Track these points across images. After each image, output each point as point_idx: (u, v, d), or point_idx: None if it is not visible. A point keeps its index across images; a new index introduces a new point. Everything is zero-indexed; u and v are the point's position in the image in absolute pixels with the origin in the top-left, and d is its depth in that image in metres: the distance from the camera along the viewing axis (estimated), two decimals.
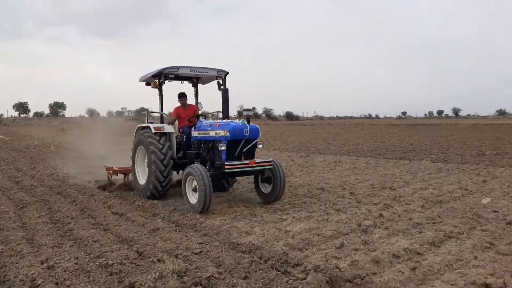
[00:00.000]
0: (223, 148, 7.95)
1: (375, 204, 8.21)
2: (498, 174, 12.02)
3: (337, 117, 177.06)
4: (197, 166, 7.76)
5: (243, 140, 8.03)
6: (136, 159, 9.81)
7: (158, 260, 5.07)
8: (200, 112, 9.73)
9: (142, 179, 9.57)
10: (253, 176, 9.05)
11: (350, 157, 17.80)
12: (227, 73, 9.39)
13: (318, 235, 6.10)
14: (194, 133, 9.15)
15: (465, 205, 7.88)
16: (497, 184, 10.25)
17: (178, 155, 9.39)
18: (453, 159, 16.06)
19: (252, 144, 8.13)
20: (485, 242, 5.54)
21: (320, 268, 4.57)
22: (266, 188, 8.76)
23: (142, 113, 12.28)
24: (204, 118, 9.51)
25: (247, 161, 7.97)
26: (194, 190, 7.75)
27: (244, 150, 8.10)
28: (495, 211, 7.33)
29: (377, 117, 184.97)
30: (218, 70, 9.55)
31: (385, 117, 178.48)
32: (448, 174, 12.19)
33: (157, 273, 4.53)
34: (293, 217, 7.32)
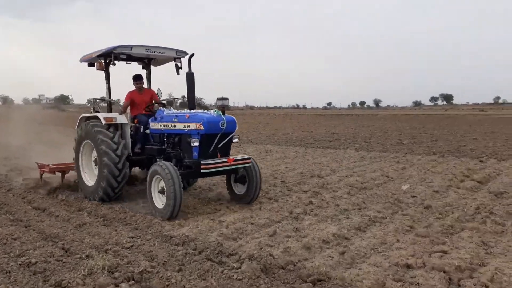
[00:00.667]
0: (196, 144, 6.77)
1: (304, 192, 8.47)
2: (416, 161, 12.92)
3: (267, 107, 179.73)
4: (165, 164, 6.50)
5: (219, 134, 6.90)
6: (81, 156, 8.38)
7: (87, 256, 4.84)
8: (160, 99, 8.47)
9: (89, 180, 8.18)
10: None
11: (281, 147, 18.17)
12: (191, 54, 7.50)
13: (252, 224, 6.17)
14: (154, 125, 7.81)
15: (387, 191, 8.39)
16: (415, 171, 11.01)
17: (134, 149, 8.03)
18: (375, 148, 17.01)
19: (228, 138, 7.04)
20: (406, 226, 5.94)
21: (254, 257, 4.63)
22: (239, 189, 7.74)
23: (87, 102, 10.79)
24: (163, 107, 8.21)
25: (225, 159, 6.82)
26: (161, 192, 6.56)
27: (220, 145, 6.98)
28: (414, 196, 7.89)
29: (304, 107, 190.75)
30: (177, 51, 8.27)
31: (312, 108, 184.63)
32: (371, 162, 12.89)
33: (86, 270, 4.33)
34: (227, 207, 7.34)
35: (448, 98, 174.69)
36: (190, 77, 7.36)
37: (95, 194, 7.75)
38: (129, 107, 8.45)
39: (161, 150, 7.64)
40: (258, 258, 4.60)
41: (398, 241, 5.39)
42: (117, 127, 7.92)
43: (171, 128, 7.40)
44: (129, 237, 5.59)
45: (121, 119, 7.98)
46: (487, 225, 5.98)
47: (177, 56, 8.31)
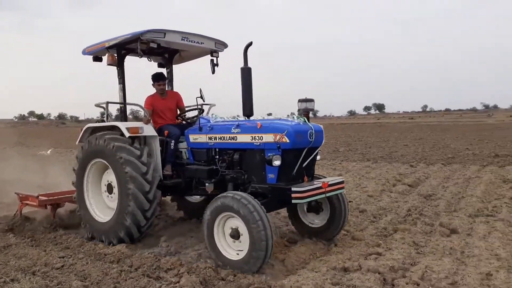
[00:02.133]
0: (277, 162, 4.89)
1: None
2: (351, 168, 13.41)
3: None
4: (244, 196, 4.53)
5: (305, 149, 5.11)
6: (85, 181, 6.19)
7: (12, 280, 4.49)
8: (199, 103, 5.84)
9: (100, 214, 6.07)
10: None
11: None
12: (248, 43, 5.34)
13: (192, 236, 6.05)
14: (197, 138, 5.88)
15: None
16: (351, 177, 11.41)
17: (163, 171, 6.02)
18: None
19: (314, 154, 5.28)
20: (343, 230, 6.11)
21: (193, 270, 4.53)
22: (313, 220, 5.85)
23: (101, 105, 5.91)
24: (199, 114, 6.06)
25: (318, 183, 5.01)
26: (234, 236, 4.63)
27: (304, 164, 5.19)
28: (350, 201, 8.14)
29: None
30: (216, 42, 6.43)
31: None
32: None
33: None
34: (166, 221, 7.15)
35: (380, 107, 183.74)
36: (247, 73, 5.33)
37: (111, 235, 5.68)
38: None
39: (212, 171, 5.62)
40: (197, 271, 4.50)
41: (336, 245, 5.51)
42: (140, 141, 5.97)
43: (229, 141, 5.47)
44: (59, 257, 5.25)
45: (149, 130, 5.99)
46: (417, 226, 6.30)
47: (215, 48, 6.47)
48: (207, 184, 5.49)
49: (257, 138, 5.14)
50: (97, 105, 6.12)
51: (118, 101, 6.29)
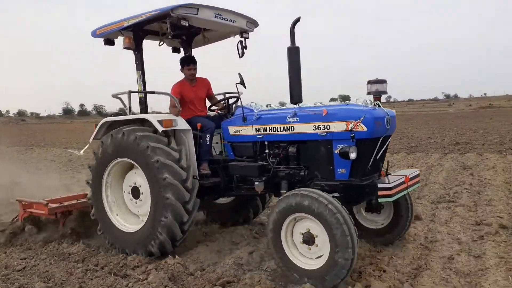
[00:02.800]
0: (354, 155, 4.20)
1: None
2: None
3: None
4: (318, 193, 3.86)
5: (381, 138, 4.48)
6: (105, 183, 5.32)
7: None
8: (237, 93, 5.16)
9: (125, 223, 5.23)
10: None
11: None
12: (296, 19, 4.70)
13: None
14: (240, 130, 5.08)
15: None
16: None
17: (199, 170, 5.21)
18: None
19: (387, 144, 4.66)
20: None
21: (161, 266, 4.47)
22: (374, 220, 5.20)
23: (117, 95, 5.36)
24: (231, 104, 5.58)
25: (401, 178, 4.40)
26: (308, 241, 3.92)
27: (378, 156, 4.56)
28: None
29: None
30: (248, 20, 5.60)
31: None
32: None
33: None
34: None
35: (345, 98, 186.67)
36: (294, 53, 4.60)
37: (139, 247, 4.89)
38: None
39: (262, 168, 4.85)
40: (165, 267, 4.44)
41: None
42: (169, 137, 5.09)
43: (284, 133, 4.71)
44: (20, 259, 5.08)
45: (182, 123, 5.17)
46: None
47: (246, 28, 5.63)
48: (256, 183, 4.72)
49: (322, 127, 4.38)
50: (115, 96, 5.26)
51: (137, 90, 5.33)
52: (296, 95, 4.67)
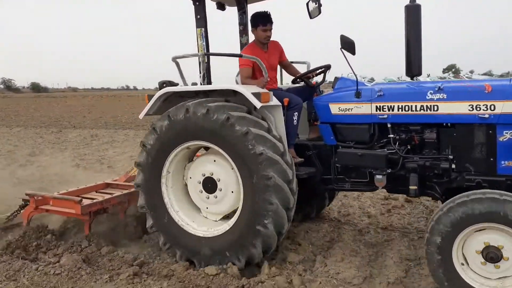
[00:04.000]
0: None
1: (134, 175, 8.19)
2: None
3: (93, 89, 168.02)
4: None
5: None
6: (166, 170, 4.13)
7: None
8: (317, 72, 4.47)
9: (187, 218, 4.15)
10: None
11: (108, 130, 17.20)
12: None
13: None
14: (349, 107, 3.98)
15: None
16: None
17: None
18: None
19: None
20: None
21: (74, 249, 4.30)
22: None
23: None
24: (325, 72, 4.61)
25: None
26: (493, 258, 3.03)
27: None
28: None
29: (135, 88, 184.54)
30: None
31: (144, 89, 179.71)
32: None
33: None
34: None
35: (456, 71, 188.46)
36: (414, 13, 3.66)
37: (216, 256, 3.87)
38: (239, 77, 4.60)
39: (389, 157, 3.85)
40: (78, 249, 4.28)
41: None
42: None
43: (422, 113, 3.70)
44: None
45: (272, 97, 4.02)
46: None
47: None
48: (378, 176, 3.83)
49: (484, 107, 3.47)
50: (176, 58, 4.03)
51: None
52: (415, 65, 3.77)
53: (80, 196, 4.73)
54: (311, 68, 4.83)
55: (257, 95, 3.76)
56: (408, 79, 3.89)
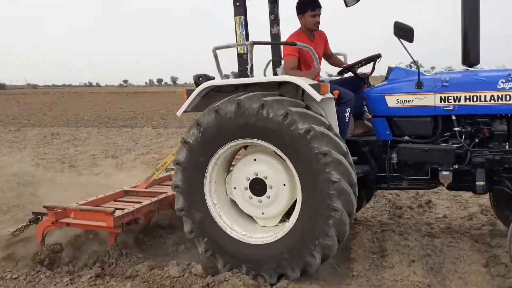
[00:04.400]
0: None
1: (96, 174, 8.02)
2: None
3: (54, 86, 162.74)
4: None
5: None
6: (210, 170, 3.70)
7: None
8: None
9: (230, 222, 3.74)
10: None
11: (70, 128, 16.72)
12: None
13: None
14: (409, 99, 3.68)
15: None
16: None
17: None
18: (172, 124, 17.26)
19: None
20: None
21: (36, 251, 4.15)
22: None
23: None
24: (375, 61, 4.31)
25: None
26: None
27: None
28: None
29: (98, 85, 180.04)
30: None
31: (107, 85, 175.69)
32: (168, 138, 13.03)
33: None
34: None
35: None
36: (472, 1, 3.45)
37: (267, 267, 3.49)
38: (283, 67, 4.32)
39: (454, 153, 3.59)
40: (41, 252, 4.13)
41: None
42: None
43: (493, 103, 3.49)
44: None
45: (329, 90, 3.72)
46: None
47: None
48: (444, 173, 3.60)
49: None
50: (217, 49, 3.74)
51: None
52: (473, 53, 3.52)
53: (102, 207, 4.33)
54: (348, 59, 4.62)
55: (316, 86, 3.43)
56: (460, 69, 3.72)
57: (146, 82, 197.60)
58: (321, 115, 3.49)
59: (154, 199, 4.48)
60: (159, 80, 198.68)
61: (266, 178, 3.56)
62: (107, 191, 4.96)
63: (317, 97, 3.38)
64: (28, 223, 4.31)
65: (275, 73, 4.43)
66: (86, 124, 18.37)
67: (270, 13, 4.50)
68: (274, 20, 4.51)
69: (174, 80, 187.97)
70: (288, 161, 3.37)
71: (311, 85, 3.42)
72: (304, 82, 3.44)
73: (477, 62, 3.54)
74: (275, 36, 4.45)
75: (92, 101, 41.20)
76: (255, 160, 3.63)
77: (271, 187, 3.55)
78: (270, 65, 4.62)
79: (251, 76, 3.77)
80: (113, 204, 4.58)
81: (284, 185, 3.52)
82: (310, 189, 3.29)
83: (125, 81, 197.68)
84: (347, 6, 4.44)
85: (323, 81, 4.16)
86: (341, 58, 4.72)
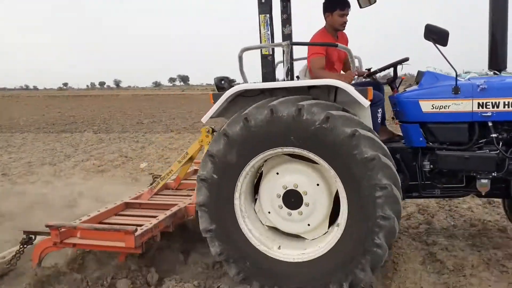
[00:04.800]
0: None
1: (32, 182, 7.58)
2: (154, 139, 13.32)
3: None
4: None
5: None
6: (241, 182, 3.34)
7: None
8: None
9: (260, 235, 3.44)
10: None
11: (4, 134, 15.73)
12: None
13: None
14: (445, 104, 3.50)
15: (125, 171, 8.35)
16: (153, 149, 11.33)
17: None
18: (115, 129, 16.71)
19: None
20: None
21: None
22: None
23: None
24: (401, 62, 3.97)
25: None
26: None
27: None
28: (151, 173, 8.09)
29: (35, 88, 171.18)
30: None
31: (45, 89, 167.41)
32: (110, 144, 12.59)
33: None
34: None
35: (184, 79, 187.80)
36: (501, 2, 3.49)
37: (316, 284, 3.22)
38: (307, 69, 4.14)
39: (494, 160, 3.42)
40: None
41: None
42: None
43: None
44: None
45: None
46: None
47: None
48: (483, 181, 3.47)
49: None
50: (244, 50, 3.53)
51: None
52: (500, 58, 3.52)
53: (102, 223, 3.90)
54: (362, 63, 4.53)
55: (363, 92, 3.22)
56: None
57: (87, 85, 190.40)
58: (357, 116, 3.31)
59: (168, 213, 3.95)
60: (101, 83, 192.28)
61: (297, 186, 3.32)
62: (45, 200, 4.64)
63: (365, 102, 3.18)
64: (22, 246, 3.73)
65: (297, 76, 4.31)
66: (21, 129, 17.34)
67: (282, 12, 4.22)
68: (287, 20, 4.24)
69: (117, 83, 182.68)
70: (328, 166, 3.11)
71: (360, 90, 3.23)
72: (351, 88, 3.24)
73: (505, 67, 3.54)
74: (287, 36, 4.20)
75: (28, 105, 39.02)
76: (277, 174, 3.40)
77: (306, 193, 3.31)
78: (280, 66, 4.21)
79: (287, 80, 3.56)
80: (114, 218, 4.12)
81: (318, 185, 3.30)
82: (357, 196, 3.05)
83: (65, 84, 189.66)
84: (360, 7, 4.34)
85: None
86: (355, 61, 4.47)
